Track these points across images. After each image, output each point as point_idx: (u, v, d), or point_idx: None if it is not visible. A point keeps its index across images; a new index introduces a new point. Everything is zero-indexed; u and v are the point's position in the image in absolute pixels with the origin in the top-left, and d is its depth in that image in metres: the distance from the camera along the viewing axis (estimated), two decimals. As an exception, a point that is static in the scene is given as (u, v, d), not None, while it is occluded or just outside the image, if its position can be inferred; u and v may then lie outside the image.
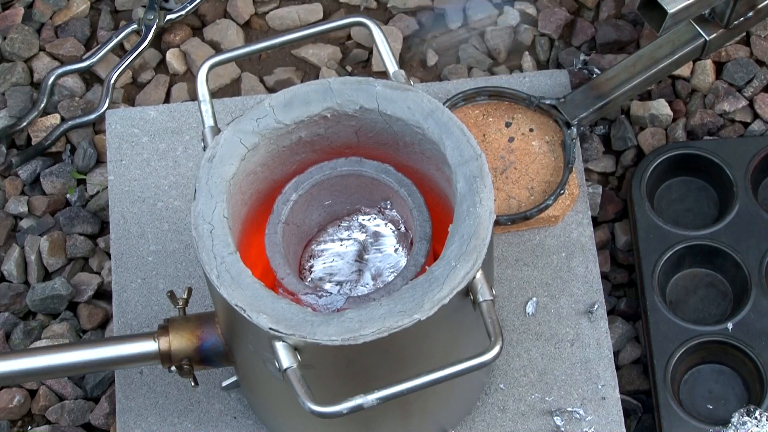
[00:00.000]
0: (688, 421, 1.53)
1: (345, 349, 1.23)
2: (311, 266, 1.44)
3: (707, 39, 1.65)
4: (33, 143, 1.76)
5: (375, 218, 1.45)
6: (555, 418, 1.53)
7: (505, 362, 1.56)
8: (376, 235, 1.45)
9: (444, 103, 1.64)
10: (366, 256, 1.44)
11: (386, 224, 1.45)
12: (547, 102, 1.65)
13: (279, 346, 1.23)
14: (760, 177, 1.68)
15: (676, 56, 1.66)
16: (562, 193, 1.60)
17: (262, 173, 1.38)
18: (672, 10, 1.50)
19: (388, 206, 1.44)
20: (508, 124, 1.66)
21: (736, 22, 1.65)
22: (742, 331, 1.57)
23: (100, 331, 1.65)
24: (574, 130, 1.63)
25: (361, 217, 1.46)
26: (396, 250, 1.44)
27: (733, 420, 1.52)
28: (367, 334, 1.22)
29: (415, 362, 1.29)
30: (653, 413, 1.56)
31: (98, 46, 1.81)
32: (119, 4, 1.85)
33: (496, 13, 1.81)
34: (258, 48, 1.42)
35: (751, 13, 1.65)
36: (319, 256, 1.45)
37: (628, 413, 1.57)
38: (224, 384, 1.51)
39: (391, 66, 1.39)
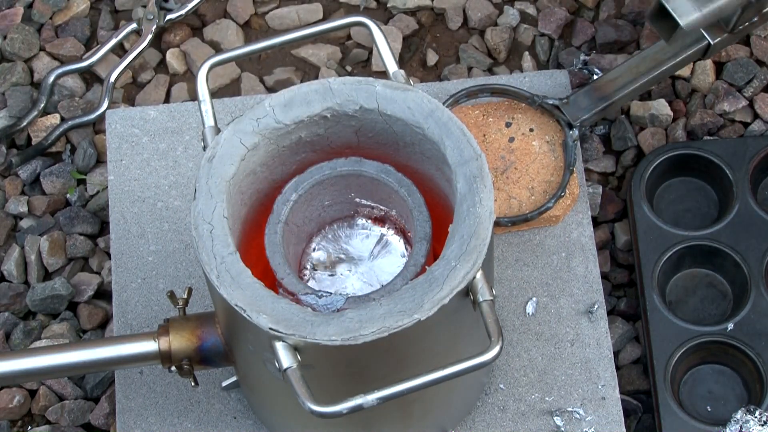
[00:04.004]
0: (687, 422, 1.53)
1: (345, 349, 1.23)
2: (311, 266, 1.45)
3: (711, 42, 1.65)
4: (33, 143, 1.76)
5: (374, 218, 1.45)
6: (555, 418, 1.53)
7: (505, 362, 1.56)
8: (377, 236, 1.45)
9: (447, 99, 1.64)
10: (365, 256, 1.44)
11: (386, 224, 1.45)
12: (550, 102, 1.65)
13: (279, 346, 1.23)
14: (760, 177, 1.68)
15: (680, 58, 1.66)
16: (563, 195, 1.60)
17: (262, 173, 1.38)
18: (685, 23, 1.49)
19: (388, 206, 1.44)
20: (508, 124, 1.66)
21: (741, 27, 1.65)
22: (742, 331, 1.57)
23: (100, 331, 1.65)
24: (576, 131, 1.63)
25: (360, 218, 1.46)
26: (396, 251, 1.44)
27: (733, 419, 1.52)
28: (367, 334, 1.22)
29: (415, 362, 1.29)
30: (653, 413, 1.56)
31: (98, 46, 1.81)
32: (119, 4, 1.85)
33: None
34: (258, 48, 1.42)
35: (756, 18, 1.65)
36: (318, 256, 1.45)
37: (628, 413, 1.57)
38: (224, 384, 1.51)
39: (391, 66, 1.39)
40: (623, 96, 1.65)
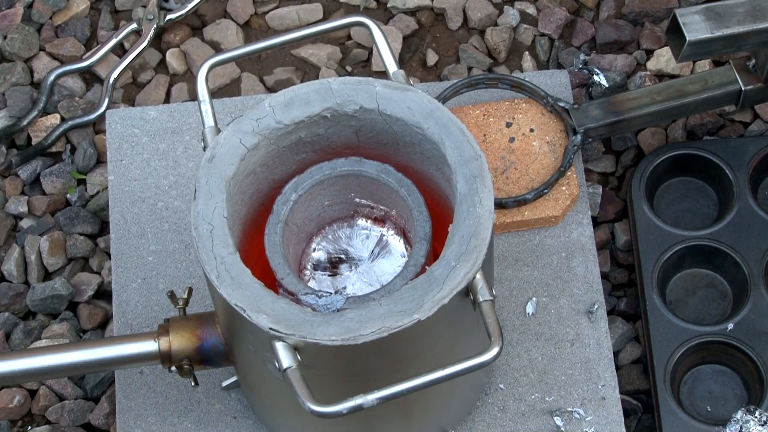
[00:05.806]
0: (687, 422, 1.53)
1: (345, 349, 1.23)
2: (311, 266, 1.45)
3: (743, 88, 1.62)
4: (33, 143, 1.76)
5: (374, 218, 1.45)
6: (555, 418, 1.53)
7: (505, 362, 1.56)
8: (377, 236, 1.45)
9: (463, 81, 1.64)
10: (365, 256, 1.44)
11: (386, 224, 1.45)
12: (561, 105, 1.64)
13: (279, 346, 1.23)
14: (760, 177, 1.68)
15: (705, 95, 1.63)
16: (546, 192, 1.60)
17: (262, 173, 1.38)
18: (691, 39, 1.48)
19: (388, 206, 1.44)
20: (508, 125, 1.66)
21: None
22: (742, 331, 1.57)
23: (100, 331, 1.65)
24: (579, 137, 1.62)
25: (360, 218, 1.46)
26: (396, 251, 1.44)
27: (733, 419, 1.52)
28: (367, 334, 1.22)
29: (415, 362, 1.29)
30: (653, 413, 1.56)
31: (98, 46, 1.81)
32: (119, 4, 1.85)
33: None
34: (258, 48, 1.42)
35: None
36: (318, 256, 1.45)
37: (628, 413, 1.57)
38: (224, 384, 1.51)
39: (391, 66, 1.40)
40: (636, 117, 1.63)
